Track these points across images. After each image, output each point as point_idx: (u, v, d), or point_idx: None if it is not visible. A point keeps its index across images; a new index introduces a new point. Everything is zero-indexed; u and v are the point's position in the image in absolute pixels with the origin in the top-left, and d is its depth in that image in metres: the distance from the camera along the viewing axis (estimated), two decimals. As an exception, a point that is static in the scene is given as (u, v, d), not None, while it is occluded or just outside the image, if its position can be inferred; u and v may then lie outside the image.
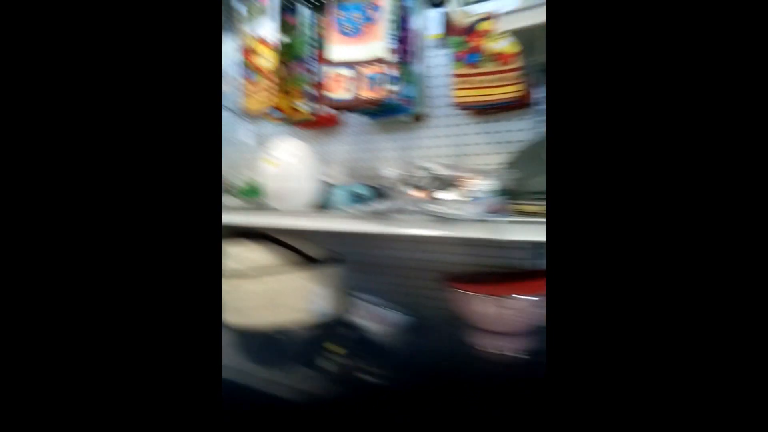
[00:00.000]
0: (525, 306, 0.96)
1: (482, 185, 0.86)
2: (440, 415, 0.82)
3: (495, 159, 1.10)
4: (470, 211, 0.78)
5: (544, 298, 0.95)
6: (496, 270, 1.11)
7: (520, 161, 0.93)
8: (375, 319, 1.17)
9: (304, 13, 1.23)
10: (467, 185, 0.87)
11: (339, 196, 1.03)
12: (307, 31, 1.24)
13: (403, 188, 0.93)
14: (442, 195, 0.88)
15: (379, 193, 1.05)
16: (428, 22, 1.15)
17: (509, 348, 0.99)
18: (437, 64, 1.17)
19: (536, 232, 0.73)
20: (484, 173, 0.89)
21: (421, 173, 0.93)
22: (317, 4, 1.24)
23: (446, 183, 0.90)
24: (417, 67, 1.15)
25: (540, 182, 0.84)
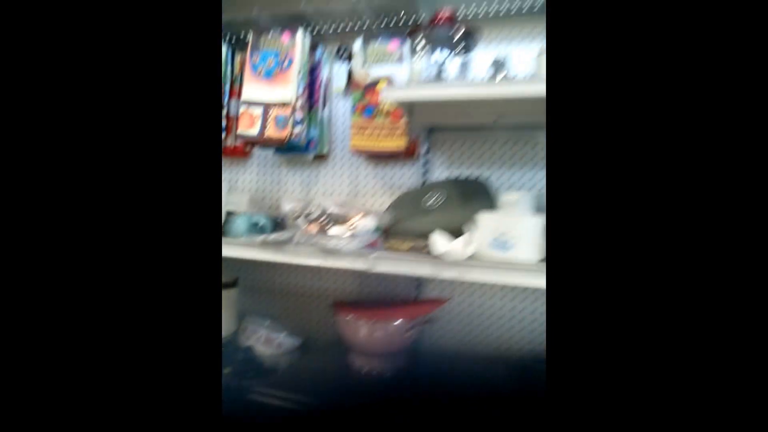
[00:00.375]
0: (399, 330, 1.10)
1: (365, 223, 1.00)
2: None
3: (384, 200, 1.25)
4: (350, 245, 0.91)
5: (415, 323, 1.11)
6: (377, 298, 1.25)
7: (398, 204, 1.09)
8: (266, 341, 1.24)
9: (223, 49, 1.32)
10: (353, 222, 1.01)
11: (239, 224, 1.11)
12: (225, 67, 1.33)
13: (298, 221, 1.04)
14: (331, 230, 1.01)
15: (277, 223, 1.15)
16: (336, 75, 1.31)
17: (384, 367, 1.12)
18: (341, 112, 1.31)
19: (403, 266, 0.88)
20: (368, 212, 1.04)
21: (315, 209, 1.05)
22: (238, 43, 1.35)
23: (336, 219, 1.04)
24: (322, 113, 1.29)
25: (413, 223, 1.01)
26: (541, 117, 1.04)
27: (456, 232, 0.92)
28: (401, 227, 1.02)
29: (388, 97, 0.88)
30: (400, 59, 1.19)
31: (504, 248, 0.85)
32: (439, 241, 0.88)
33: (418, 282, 1.26)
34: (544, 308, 1.16)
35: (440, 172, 1.24)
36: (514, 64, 0.95)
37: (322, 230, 1.01)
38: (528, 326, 1.18)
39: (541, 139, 1.15)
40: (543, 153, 1.15)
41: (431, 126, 1.20)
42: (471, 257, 0.86)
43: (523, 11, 1.10)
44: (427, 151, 1.25)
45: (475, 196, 1.02)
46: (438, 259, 0.86)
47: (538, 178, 1.15)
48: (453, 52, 0.93)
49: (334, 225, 1.01)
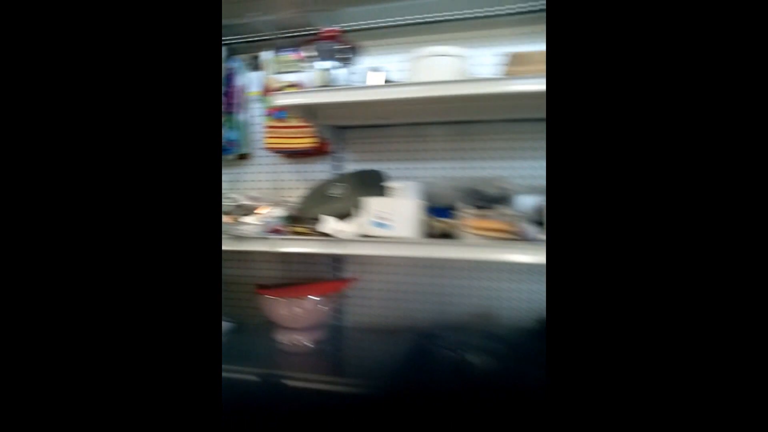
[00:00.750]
0: (314, 306, 1.25)
1: (274, 212, 1.15)
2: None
3: (300, 193, 1.39)
4: (253, 230, 1.05)
5: (329, 299, 1.25)
6: (296, 280, 1.39)
7: (308, 195, 1.23)
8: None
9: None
10: (263, 212, 1.15)
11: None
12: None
13: (215, 213, 1.17)
14: (244, 219, 1.14)
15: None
16: (251, 81, 1.44)
17: (304, 340, 1.26)
18: (258, 115, 1.45)
19: (299, 246, 1.03)
20: (277, 203, 1.18)
21: (228, 201, 1.18)
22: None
23: (248, 210, 1.17)
24: (241, 116, 1.42)
25: (318, 210, 1.15)
26: (426, 115, 1.22)
27: (352, 216, 1.07)
28: (308, 214, 1.16)
29: (278, 102, 1.02)
30: (305, 68, 1.34)
31: (383, 227, 1.01)
32: (329, 223, 1.03)
33: (336, 263, 1.42)
34: (442, 281, 1.34)
35: (350, 165, 1.40)
36: (393, 71, 1.11)
37: (235, 220, 1.14)
38: (429, 298, 1.35)
39: (432, 134, 1.32)
40: (433, 146, 1.32)
41: (337, 125, 1.35)
42: (356, 235, 1.01)
43: (403, 25, 1.28)
44: (339, 148, 1.40)
45: (371, 185, 1.17)
46: (328, 238, 1.02)
47: (429, 168, 1.32)
48: (339, 62, 1.08)
49: (246, 215, 1.15)
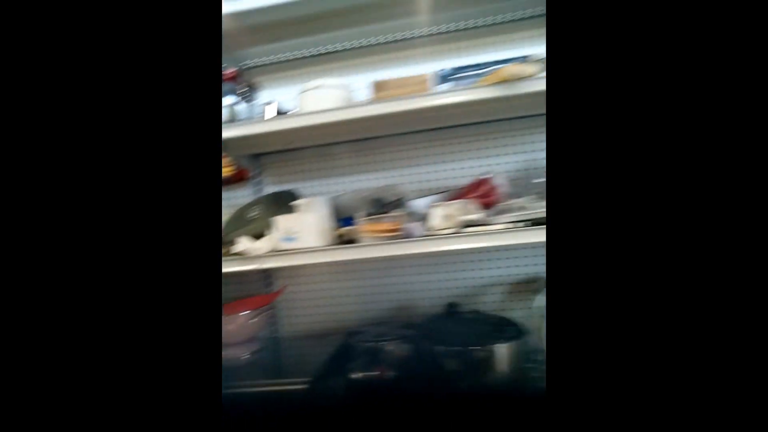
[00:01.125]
0: (245, 321, 1.36)
1: (196, 239, 1.26)
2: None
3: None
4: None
5: (258, 312, 1.37)
6: (230, 299, 1.51)
7: (229, 219, 1.35)
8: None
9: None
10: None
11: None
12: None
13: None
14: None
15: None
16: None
17: (240, 353, 1.37)
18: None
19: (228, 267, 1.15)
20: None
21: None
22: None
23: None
24: (163, 154, 1.52)
25: (238, 233, 1.27)
26: (328, 137, 1.37)
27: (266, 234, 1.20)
28: (228, 237, 1.28)
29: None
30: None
31: (290, 240, 1.14)
32: (242, 243, 1.16)
33: (266, 279, 1.54)
34: (362, 283, 1.48)
35: (269, 188, 1.53)
36: (287, 101, 1.25)
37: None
38: (353, 300, 1.49)
39: (338, 152, 1.47)
40: (341, 163, 1.48)
41: (251, 154, 1.48)
42: (268, 251, 1.15)
43: (303, 57, 1.44)
44: (257, 174, 1.53)
45: (283, 204, 1.31)
46: (242, 257, 1.14)
47: (339, 183, 1.48)
48: (239, 98, 1.22)
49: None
